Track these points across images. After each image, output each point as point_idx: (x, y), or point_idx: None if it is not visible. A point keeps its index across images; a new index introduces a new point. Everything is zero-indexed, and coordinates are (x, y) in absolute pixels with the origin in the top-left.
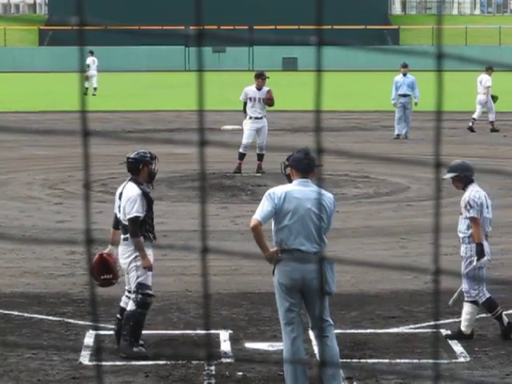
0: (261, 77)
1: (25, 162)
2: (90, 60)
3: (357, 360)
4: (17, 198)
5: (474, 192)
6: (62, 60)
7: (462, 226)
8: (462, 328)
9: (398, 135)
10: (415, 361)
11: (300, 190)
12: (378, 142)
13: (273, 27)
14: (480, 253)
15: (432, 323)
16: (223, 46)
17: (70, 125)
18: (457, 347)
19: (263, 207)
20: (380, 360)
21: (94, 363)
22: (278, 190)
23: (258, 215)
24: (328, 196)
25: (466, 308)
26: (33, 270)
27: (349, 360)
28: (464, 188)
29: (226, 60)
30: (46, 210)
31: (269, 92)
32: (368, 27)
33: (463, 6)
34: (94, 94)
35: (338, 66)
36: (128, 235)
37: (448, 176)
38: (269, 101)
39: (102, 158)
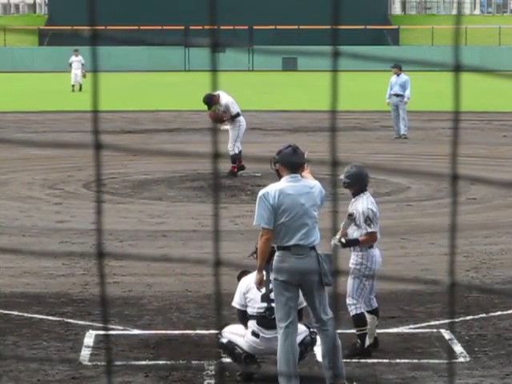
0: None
1: (25, 162)
2: (80, 58)
3: (357, 360)
4: (17, 198)
5: (369, 204)
6: (62, 60)
7: (355, 233)
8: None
9: (399, 135)
10: (415, 361)
11: (291, 186)
12: (378, 142)
13: (273, 27)
14: (353, 243)
15: (432, 323)
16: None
17: (71, 125)
18: (457, 347)
19: (262, 212)
20: (380, 360)
21: (94, 363)
22: (271, 190)
23: (263, 223)
24: (317, 185)
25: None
26: (33, 270)
27: (349, 360)
28: (354, 195)
29: (226, 60)
30: (46, 209)
31: (209, 113)
32: (368, 27)
33: (463, 6)
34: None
35: (337, 65)
36: None
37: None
38: (212, 119)
39: (102, 158)
